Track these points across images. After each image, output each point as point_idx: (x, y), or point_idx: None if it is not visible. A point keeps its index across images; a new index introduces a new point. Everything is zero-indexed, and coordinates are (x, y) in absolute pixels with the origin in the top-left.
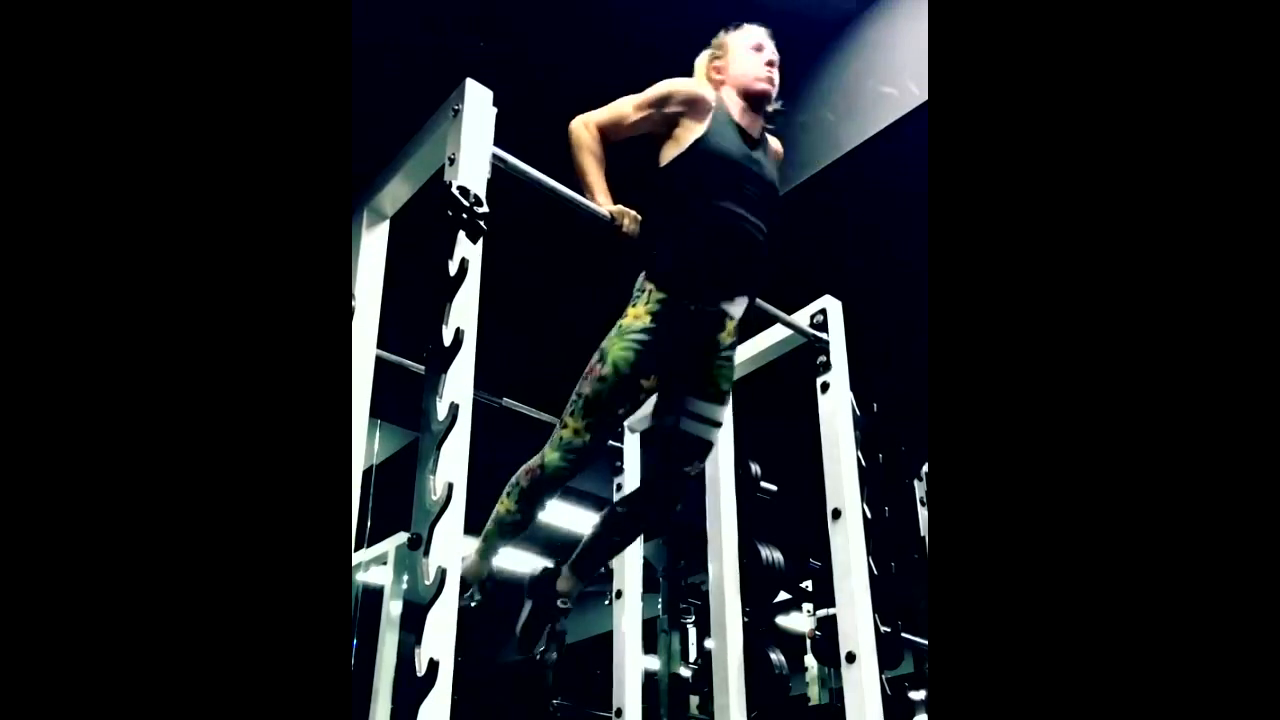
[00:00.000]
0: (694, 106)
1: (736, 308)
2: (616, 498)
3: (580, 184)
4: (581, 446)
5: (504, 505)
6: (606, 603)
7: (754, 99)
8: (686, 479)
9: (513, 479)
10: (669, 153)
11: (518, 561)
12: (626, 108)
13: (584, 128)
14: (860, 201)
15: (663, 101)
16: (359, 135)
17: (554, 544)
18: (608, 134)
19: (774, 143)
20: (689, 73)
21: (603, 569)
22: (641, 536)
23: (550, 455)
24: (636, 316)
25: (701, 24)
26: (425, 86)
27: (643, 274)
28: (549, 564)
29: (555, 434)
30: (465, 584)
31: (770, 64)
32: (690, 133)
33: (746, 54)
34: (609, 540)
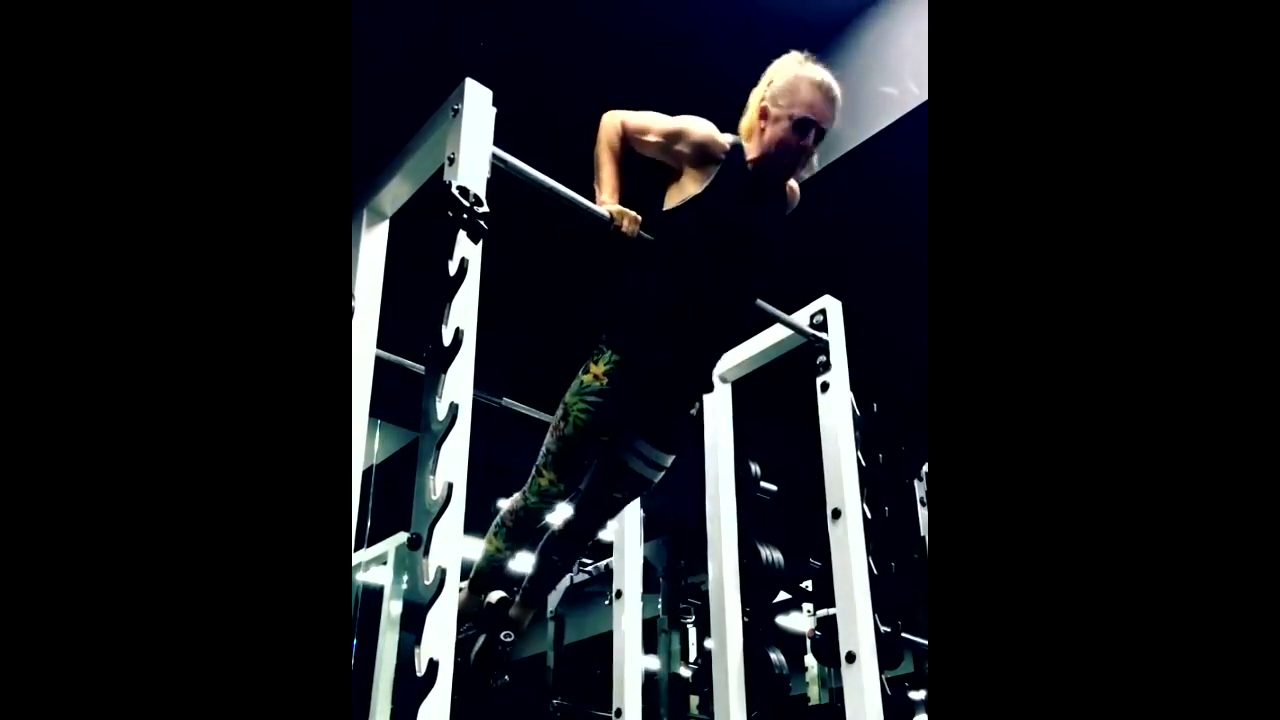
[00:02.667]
0: (702, 156)
1: (698, 385)
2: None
3: (594, 173)
4: (557, 493)
5: (493, 544)
6: (606, 603)
7: (772, 166)
8: (619, 504)
9: (498, 519)
10: (672, 198)
11: (519, 562)
12: (650, 126)
13: (616, 125)
14: (860, 202)
15: (675, 138)
16: (359, 135)
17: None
18: (630, 141)
19: (791, 184)
20: (689, 72)
21: (551, 592)
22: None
23: (530, 499)
24: (595, 376)
25: (702, 23)
26: (425, 86)
27: (604, 336)
28: (502, 594)
29: (533, 480)
30: (462, 618)
31: (805, 148)
32: (695, 183)
33: (790, 125)
34: (549, 563)
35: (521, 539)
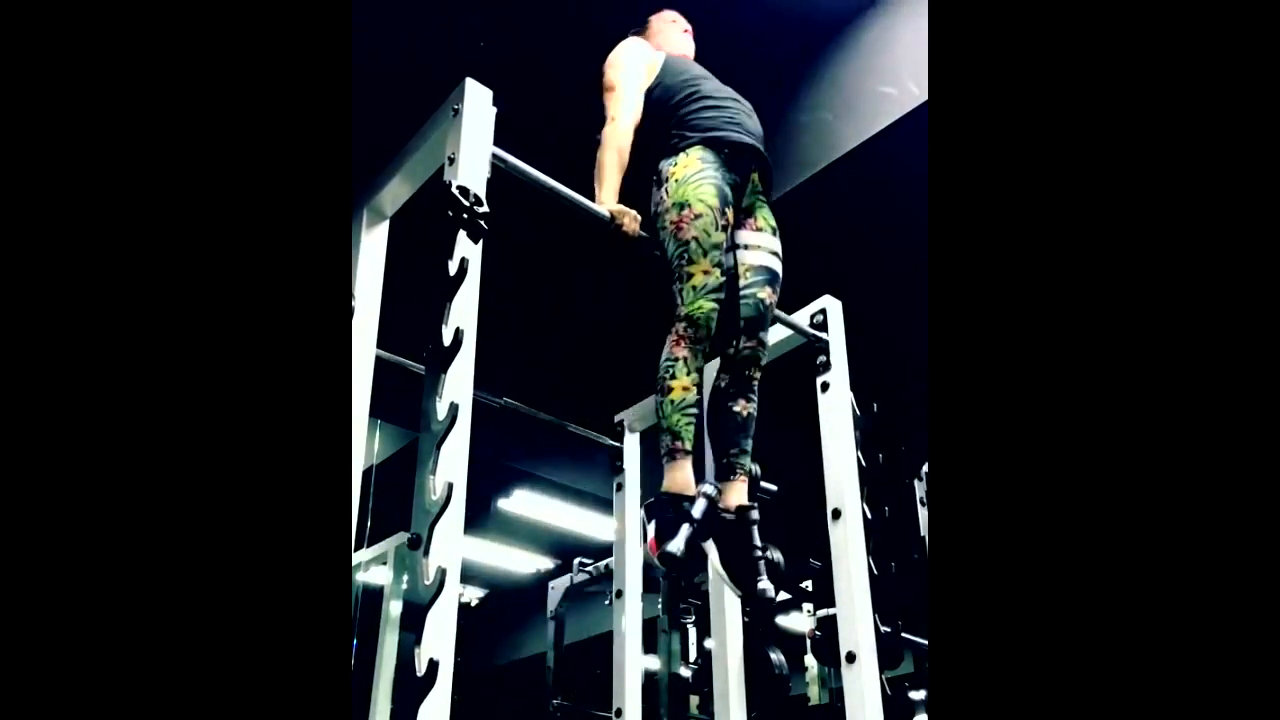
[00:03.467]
0: (649, 49)
1: (757, 145)
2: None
3: (596, 174)
4: (717, 284)
5: (677, 388)
6: (606, 603)
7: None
8: (764, 308)
9: (665, 362)
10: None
11: (519, 562)
12: (627, 88)
13: (621, 130)
14: (860, 201)
15: (633, 60)
16: (359, 135)
17: (555, 544)
18: (635, 122)
19: None
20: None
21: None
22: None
23: (693, 306)
24: (686, 165)
25: (702, 23)
26: (425, 86)
27: (662, 161)
28: (706, 491)
29: (684, 290)
30: (688, 499)
31: (687, 30)
32: (654, 65)
33: (668, 27)
34: (728, 415)
35: (701, 358)
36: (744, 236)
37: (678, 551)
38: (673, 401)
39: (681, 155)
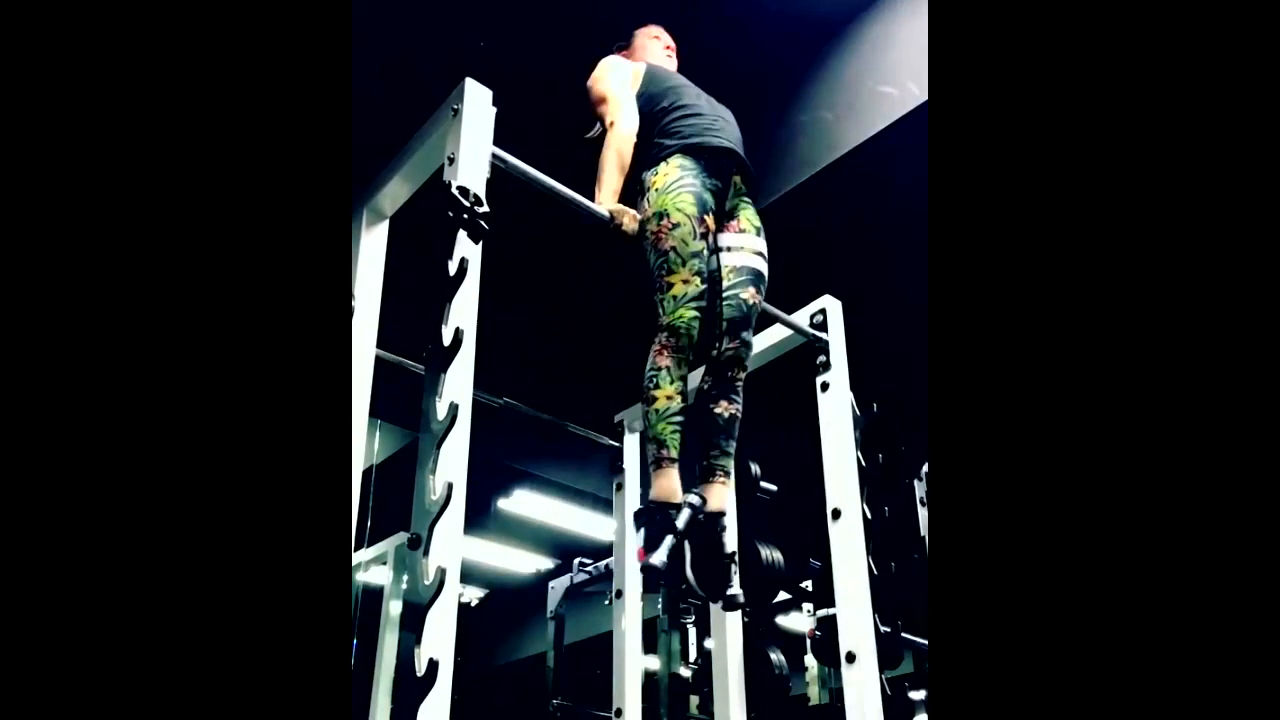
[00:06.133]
0: (629, 63)
1: (737, 148)
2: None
3: (598, 173)
4: (697, 292)
5: (661, 397)
6: (606, 603)
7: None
8: (747, 308)
9: (649, 372)
10: None
11: (519, 562)
12: (620, 95)
13: (622, 134)
14: (860, 201)
15: (618, 70)
16: (359, 135)
17: (555, 544)
18: (635, 126)
19: None
20: (689, 72)
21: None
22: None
23: (674, 316)
24: (665, 174)
25: (702, 23)
26: (425, 86)
27: (644, 172)
28: (691, 500)
29: (665, 299)
30: (674, 507)
31: (669, 48)
32: (637, 75)
33: (651, 43)
34: (711, 416)
35: (684, 367)
36: (726, 239)
37: (659, 564)
38: (658, 411)
39: (662, 164)
